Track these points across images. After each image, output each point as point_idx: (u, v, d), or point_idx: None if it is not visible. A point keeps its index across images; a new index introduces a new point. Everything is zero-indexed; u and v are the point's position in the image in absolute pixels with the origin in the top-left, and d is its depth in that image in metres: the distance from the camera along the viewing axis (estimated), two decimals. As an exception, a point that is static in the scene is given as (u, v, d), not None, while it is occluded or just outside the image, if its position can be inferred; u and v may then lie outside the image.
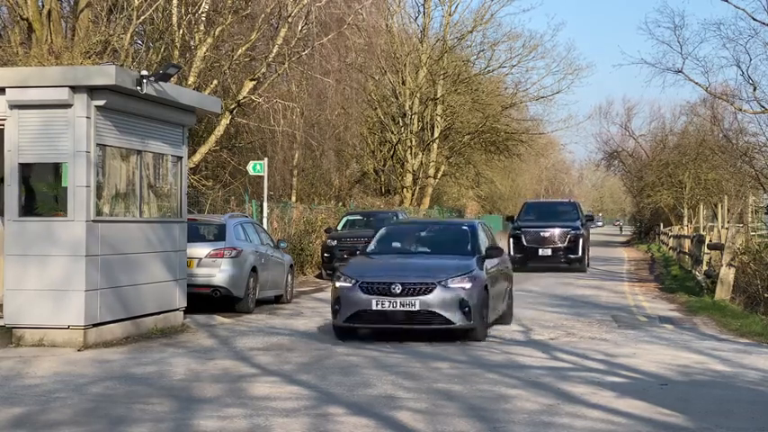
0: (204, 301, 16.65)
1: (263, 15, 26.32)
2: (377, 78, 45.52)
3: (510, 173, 68.60)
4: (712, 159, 53.59)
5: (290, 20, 26.42)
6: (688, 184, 56.28)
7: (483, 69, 52.78)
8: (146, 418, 7.96)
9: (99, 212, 12.54)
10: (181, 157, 14.85)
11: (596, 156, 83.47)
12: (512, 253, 29.26)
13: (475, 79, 51.25)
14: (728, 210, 35.06)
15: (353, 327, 13.14)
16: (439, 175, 53.29)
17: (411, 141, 49.25)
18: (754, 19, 39.31)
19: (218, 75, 26.84)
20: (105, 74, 12.23)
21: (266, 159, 26.80)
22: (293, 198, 35.35)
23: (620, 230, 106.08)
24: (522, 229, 30.31)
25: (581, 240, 29.70)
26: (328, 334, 13.80)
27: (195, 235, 17.02)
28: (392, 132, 48.97)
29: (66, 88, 12.12)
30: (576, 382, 9.80)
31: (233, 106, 26.49)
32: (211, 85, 26.26)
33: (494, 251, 14.31)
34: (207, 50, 25.35)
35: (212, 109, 15.63)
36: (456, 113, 51.24)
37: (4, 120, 12.36)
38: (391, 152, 49.20)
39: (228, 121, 26.89)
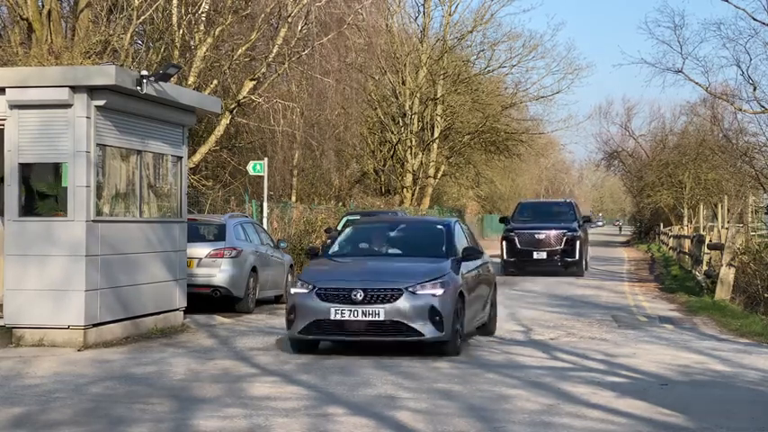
0: (204, 301, 16.65)
1: (263, 15, 26.32)
2: (377, 78, 45.52)
3: (510, 173, 68.63)
4: (712, 159, 53.60)
5: (289, 20, 26.41)
6: (688, 184, 56.29)
7: (483, 69, 52.79)
8: (146, 418, 7.96)
9: (99, 212, 12.54)
10: (181, 157, 14.85)
11: (596, 156, 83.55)
12: (505, 256, 28.26)
13: (475, 79, 51.25)
14: (728, 210, 35.07)
15: (310, 339, 11.73)
16: (439, 175, 53.30)
17: (411, 141, 49.25)
18: (755, 19, 39.33)
19: (218, 75, 26.83)
20: (105, 74, 12.23)
21: (266, 159, 26.80)
22: (293, 198, 35.35)
23: (620, 230, 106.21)
24: (516, 231, 28.43)
25: (578, 243, 27.95)
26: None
27: (195, 235, 17.02)
28: (392, 132, 48.98)
29: (66, 88, 12.12)
30: (576, 382, 9.80)
31: (233, 106, 26.49)
32: (211, 85, 26.26)
33: (472, 253, 12.83)
34: (207, 50, 25.35)
35: (212, 109, 15.63)
36: (456, 113, 51.24)
37: (4, 120, 12.37)
38: (391, 152, 49.21)
39: (228, 121, 26.89)
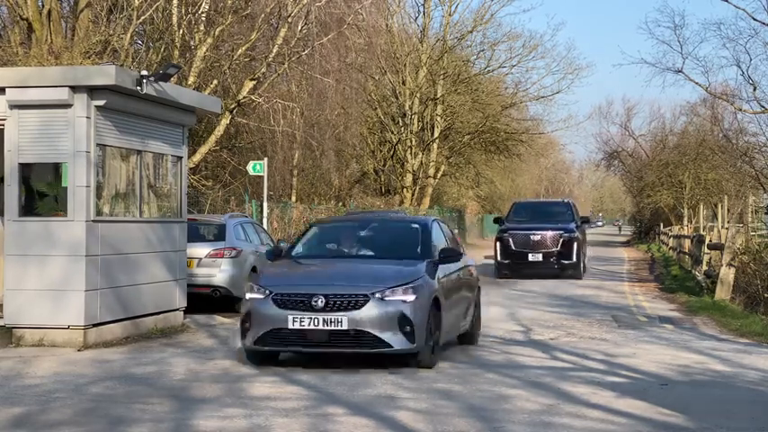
0: (204, 301, 16.66)
1: (263, 15, 26.32)
2: (377, 78, 45.53)
3: (510, 173, 68.62)
4: (712, 159, 53.62)
5: (289, 20, 26.42)
6: (688, 184, 56.30)
7: (483, 69, 52.80)
8: (146, 418, 7.96)
9: (99, 212, 12.54)
10: (181, 157, 14.85)
11: (596, 156, 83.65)
12: (498, 258, 27.09)
13: (475, 79, 51.26)
14: (728, 210, 35.07)
15: (266, 351, 10.63)
16: (439, 175, 53.30)
17: (411, 141, 49.26)
18: (755, 19, 39.37)
19: (218, 75, 26.84)
20: (105, 74, 12.24)
21: (266, 159, 26.80)
22: (293, 198, 35.36)
23: (619, 230, 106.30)
24: (510, 232, 26.99)
25: (575, 244, 26.60)
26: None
27: (195, 235, 17.02)
28: (392, 132, 48.98)
29: (66, 88, 12.12)
30: (576, 382, 9.80)
31: (233, 106, 26.50)
32: (211, 85, 26.27)
33: (450, 254, 11.78)
34: (207, 50, 25.36)
35: (212, 109, 15.63)
36: (456, 113, 51.25)
37: (4, 120, 12.37)
38: (391, 152, 49.21)
39: (228, 121, 26.90)
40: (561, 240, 26.53)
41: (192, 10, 25.94)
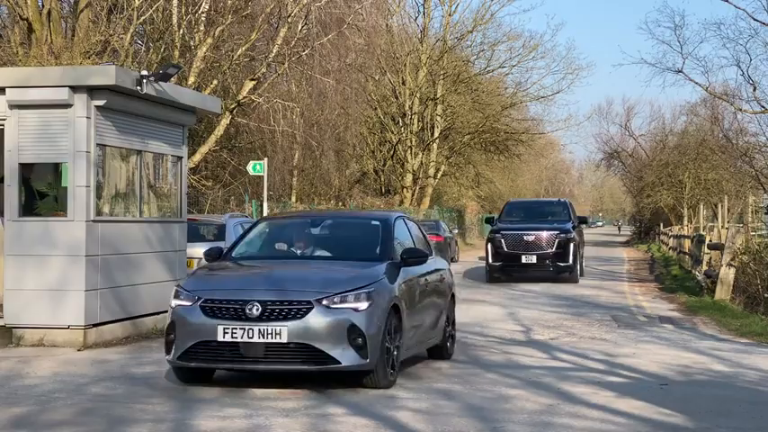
0: (204, 301, 16.60)
1: (262, 15, 26.34)
2: (377, 78, 45.56)
3: (510, 173, 68.67)
4: (712, 159, 53.66)
5: (289, 20, 26.44)
6: (688, 184, 56.32)
7: (483, 69, 52.85)
8: (146, 418, 7.96)
9: (99, 212, 12.54)
10: (181, 157, 14.85)
11: (596, 156, 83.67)
12: (490, 260, 25.48)
13: (475, 79, 51.30)
14: (728, 210, 35.06)
15: (193, 367, 9.20)
16: (439, 175, 53.33)
17: (411, 141, 49.28)
18: (755, 19, 39.46)
19: (218, 75, 26.86)
20: (105, 74, 12.24)
21: (266, 159, 26.82)
22: (293, 198, 35.36)
23: (619, 230, 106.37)
24: (502, 232, 25.37)
25: (572, 245, 24.99)
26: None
27: (195, 235, 17.01)
28: (392, 132, 49.00)
29: (67, 88, 12.12)
30: (576, 382, 9.80)
31: (233, 106, 26.51)
32: (211, 85, 26.29)
33: (414, 256, 10.31)
34: (207, 50, 25.37)
35: (212, 109, 15.63)
36: (456, 113, 51.28)
37: (4, 120, 12.37)
38: (391, 152, 49.24)
39: (228, 121, 26.92)
40: (557, 241, 25.00)
41: (192, 10, 25.96)
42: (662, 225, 58.32)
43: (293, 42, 26.98)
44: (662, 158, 61.99)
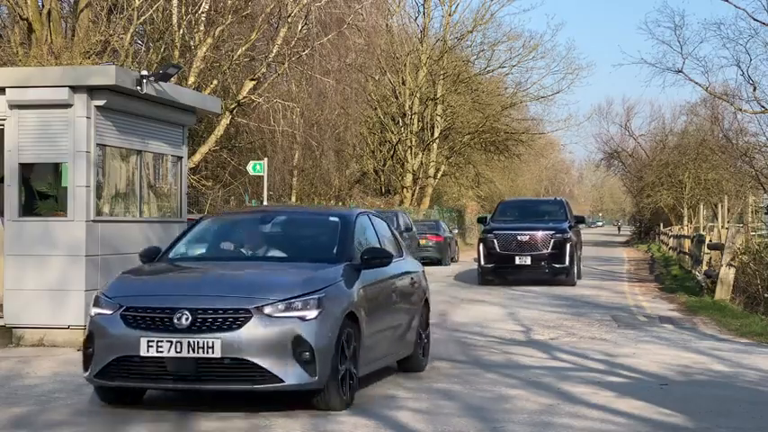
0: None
1: (263, 15, 26.35)
2: (377, 78, 45.58)
3: (510, 173, 68.70)
4: (712, 159, 53.70)
5: (289, 20, 26.45)
6: (688, 184, 56.36)
7: (483, 69, 52.88)
8: (145, 419, 7.96)
9: (99, 212, 12.54)
10: (181, 157, 14.85)
11: (596, 156, 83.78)
12: (482, 262, 24.06)
13: (475, 79, 51.33)
14: (728, 210, 35.07)
15: (114, 386, 8.05)
16: (439, 175, 53.34)
17: (411, 141, 49.30)
18: (755, 19, 39.52)
19: (218, 75, 26.87)
20: (105, 74, 12.24)
21: (266, 159, 26.82)
22: (293, 198, 35.38)
23: (618, 230, 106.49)
24: (495, 232, 24.04)
25: (568, 246, 23.67)
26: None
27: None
28: (392, 132, 49.02)
29: (67, 88, 12.12)
30: (576, 382, 9.80)
31: (233, 106, 26.52)
32: (211, 85, 26.30)
33: (377, 257, 9.07)
34: (207, 50, 25.38)
35: (212, 109, 15.64)
36: (456, 113, 51.30)
37: (4, 120, 12.37)
38: (391, 152, 49.26)
39: (228, 121, 26.93)
40: (552, 241, 23.66)
41: (192, 10, 25.97)
42: (662, 225, 58.35)
43: (293, 42, 26.98)
44: (662, 158, 62.02)
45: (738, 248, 19.59)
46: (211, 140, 26.41)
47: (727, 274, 19.45)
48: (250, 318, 7.69)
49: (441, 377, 10.16)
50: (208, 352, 7.61)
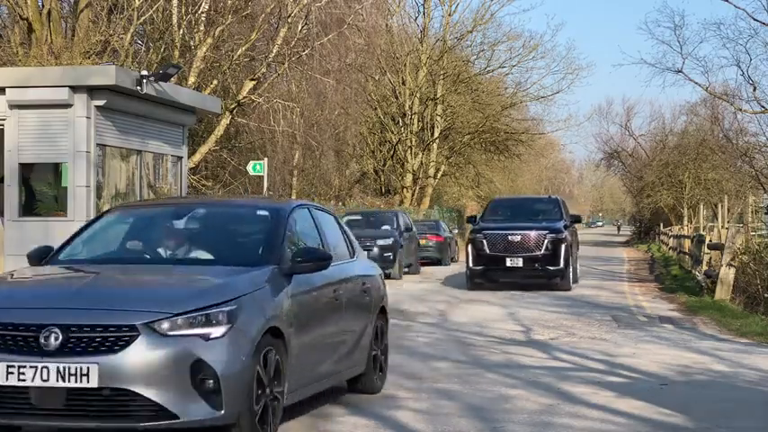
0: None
1: (263, 15, 26.36)
2: (377, 78, 45.60)
3: (510, 173, 68.67)
4: (712, 159, 53.73)
5: (289, 20, 26.46)
6: (688, 184, 56.38)
7: (483, 69, 52.87)
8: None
9: (99, 212, 12.55)
10: (181, 157, 14.87)
11: (596, 156, 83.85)
12: (470, 264, 22.30)
13: (475, 79, 51.33)
14: (728, 210, 35.08)
15: None
16: (439, 175, 53.34)
17: (411, 141, 49.31)
18: (755, 19, 39.56)
19: (218, 75, 26.88)
20: (105, 74, 12.26)
21: (266, 159, 26.82)
22: (293, 198, 35.39)
23: (618, 230, 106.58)
24: (484, 232, 22.30)
25: (563, 247, 21.94)
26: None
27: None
28: (392, 132, 49.03)
29: (67, 88, 12.15)
30: (576, 382, 9.80)
31: (233, 106, 26.53)
32: (211, 85, 26.30)
33: (311, 258, 7.49)
34: (207, 50, 25.38)
35: (212, 109, 15.66)
36: (456, 113, 51.31)
37: (5, 120, 12.39)
38: (391, 152, 49.26)
39: (228, 121, 26.93)
40: (546, 242, 21.94)
41: (192, 10, 25.98)
42: (662, 225, 58.37)
43: (293, 42, 26.99)
44: (662, 158, 62.04)
45: (738, 248, 19.60)
46: (211, 140, 26.41)
47: (727, 274, 19.46)
48: (137, 336, 6.09)
49: (441, 377, 10.16)
50: (81, 380, 6.00)
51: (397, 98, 48.99)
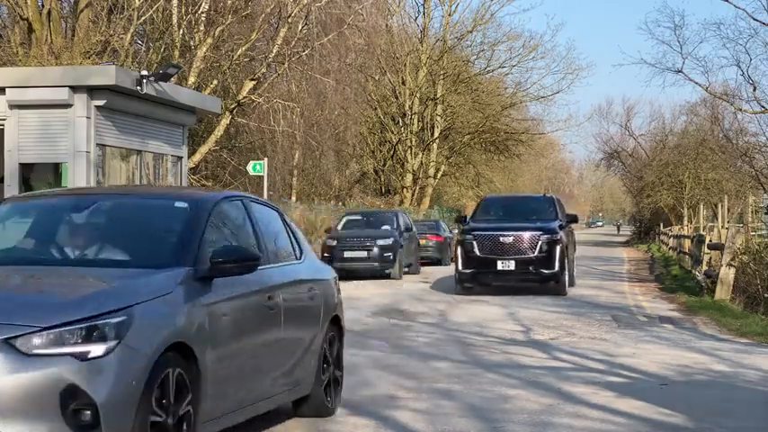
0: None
1: (263, 15, 26.37)
2: (377, 78, 45.63)
3: (510, 173, 68.72)
4: (712, 159, 53.74)
5: (289, 20, 26.47)
6: (688, 184, 56.39)
7: (483, 69, 52.90)
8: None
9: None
10: (181, 157, 14.88)
11: (596, 156, 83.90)
12: (459, 267, 20.96)
13: (475, 79, 51.37)
14: (728, 210, 35.08)
15: None
16: (439, 175, 53.36)
17: (411, 141, 49.33)
18: (755, 19, 39.57)
19: (218, 75, 26.88)
20: (105, 74, 12.26)
21: (266, 159, 26.82)
22: (293, 198, 35.40)
23: (618, 230, 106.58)
24: (474, 233, 20.94)
25: (558, 248, 20.56)
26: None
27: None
28: (392, 132, 49.05)
29: (67, 88, 12.15)
30: (576, 382, 9.80)
31: (233, 106, 26.53)
32: (211, 85, 26.31)
33: (235, 259, 6.19)
34: (207, 50, 25.39)
35: (212, 109, 15.66)
36: (456, 113, 51.34)
37: (5, 120, 12.39)
38: (391, 152, 49.28)
39: (228, 121, 26.93)
40: (540, 244, 20.57)
41: (192, 10, 25.98)
42: (662, 225, 58.37)
43: (293, 42, 27.00)
44: (662, 158, 62.06)
45: (738, 248, 19.60)
46: (211, 140, 26.42)
47: (727, 274, 19.46)
48: None
49: (441, 377, 10.16)
50: None
51: (397, 98, 49.01)
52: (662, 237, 53.88)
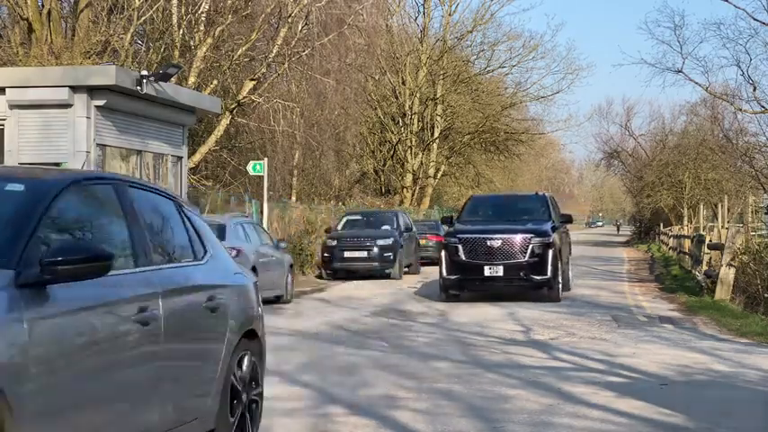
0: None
1: (263, 15, 26.37)
2: (377, 78, 45.64)
3: (510, 173, 68.72)
4: (712, 159, 53.75)
5: (290, 20, 26.47)
6: (688, 184, 56.39)
7: (483, 69, 52.91)
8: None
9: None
10: (181, 157, 14.88)
11: (596, 156, 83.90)
12: (444, 273, 19.21)
13: (475, 79, 51.38)
14: (728, 210, 35.09)
15: None
16: (439, 175, 53.37)
17: (411, 141, 49.33)
18: (755, 19, 39.57)
19: (218, 75, 26.89)
20: (105, 74, 12.26)
21: (266, 159, 26.82)
22: (293, 198, 35.41)
23: (618, 230, 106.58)
24: (459, 236, 19.28)
25: (550, 252, 18.93)
26: (328, 334, 13.78)
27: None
28: (392, 132, 49.05)
29: (67, 88, 12.16)
30: (576, 382, 9.80)
31: (233, 106, 26.53)
32: (211, 85, 26.31)
33: (74, 261, 4.39)
34: (207, 50, 25.39)
35: (212, 109, 15.66)
36: (456, 113, 51.35)
37: (5, 120, 12.39)
38: (391, 152, 49.28)
39: (228, 121, 26.94)
40: (531, 247, 18.95)
41: (192, 10, 25.98)
42: (662, 225, 58.36)
43: (293, 42, 27.00)
44: (662, 158, 62.06)
45: (738, 248, 19.61)
46: (211, 140, 26.42)
47: (727, 274, 19.46)
48: None
49: (441, 377, 10.16)
50: None
51: (397, 98, 49.01)
52: (662, 237, 53.88)
